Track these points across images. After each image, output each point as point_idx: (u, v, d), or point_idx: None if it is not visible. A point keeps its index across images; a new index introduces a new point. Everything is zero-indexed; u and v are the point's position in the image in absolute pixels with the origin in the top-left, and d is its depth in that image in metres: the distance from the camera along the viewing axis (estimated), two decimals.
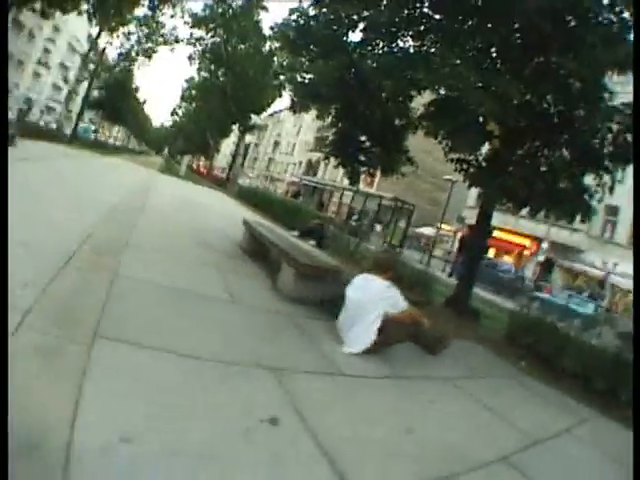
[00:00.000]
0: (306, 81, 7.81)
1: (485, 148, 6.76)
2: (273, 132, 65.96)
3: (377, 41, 6.98)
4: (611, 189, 5.97)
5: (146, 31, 24.31)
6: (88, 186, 9.28)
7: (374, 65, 6.54)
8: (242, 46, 25.27)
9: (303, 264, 4.43)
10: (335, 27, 7.08)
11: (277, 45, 21.09)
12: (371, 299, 3.51)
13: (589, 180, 6.11)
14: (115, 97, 31.79)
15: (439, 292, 8.26)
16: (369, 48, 7.12)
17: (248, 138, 63.99)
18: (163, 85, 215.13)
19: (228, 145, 58.00)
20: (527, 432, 2.99)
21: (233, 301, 3.96)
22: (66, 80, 31.96)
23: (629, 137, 5.49)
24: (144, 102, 58.30)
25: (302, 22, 7.38)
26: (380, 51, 7.02)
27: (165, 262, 4.59)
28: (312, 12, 7.35)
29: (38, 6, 14.16)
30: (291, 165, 56.64)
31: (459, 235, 28.49)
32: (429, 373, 3.68)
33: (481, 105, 5.10)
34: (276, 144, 64.73)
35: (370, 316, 3.47)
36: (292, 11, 7.61)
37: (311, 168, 49.52)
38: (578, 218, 6.07)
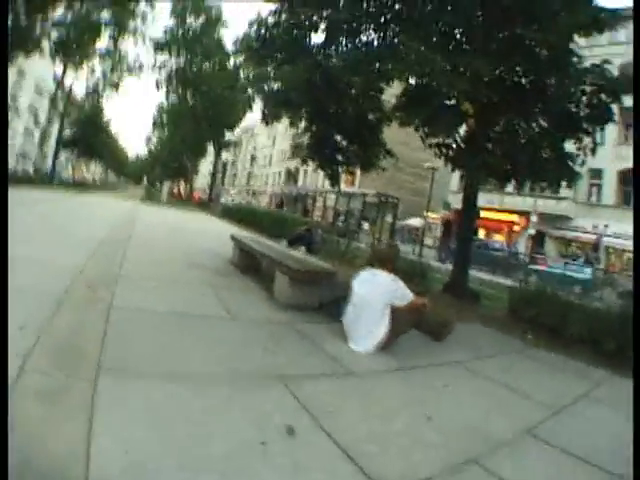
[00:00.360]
0: (275, 89, 7.81)
1: (463, 129, 6.77)
2: (248, 147, 66.09)
3: (340, 39, 6.99)
4: (593, 150, 5.98)
5: (110, 63, 24.24)
6: (72, 224, 9.18)
7: (340, 63, 6.55)
8: (207, 64, 25.24)
9: (296, 270, 4.39)
10: (296, 31, 7.08)
11: (242, 59, 21.16)
12: (379, 292, 3.50)
13: (570, 146, 6.15)
14: (87, 133, 31.44)
15: (436, 279, 8.26)
16: (333, 47, 7.13)
17: (225, 156, 63.94)
18: (135, 115, 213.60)
19: (206, 166, 57.89)
20: (546, 402, 2.97)
21: (231, 317, 3.89)
22: (37, 122, 31.56)
23: (604, 97, 5.51)
24: (116, 135, 58.02)
25: (263, 31, 7.38)
26: (344, 48, 7.03)
27: (159, 288, 4.52)
28: (271, 20, 7.35)
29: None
30: (271, 176, 56.70)
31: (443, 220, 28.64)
32: (438, 360, 3.65)
33: (452, 87, 5.11)
34: (253, 158, 64.82)
35: (379, 310, 3.46)
36: (252, 23, 7.60)
37: (291, 176, 49.55)
38: (564, 184, 6.10)
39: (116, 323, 3.05)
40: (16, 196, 14.51)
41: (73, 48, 17.40)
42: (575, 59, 5.55)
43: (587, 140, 5.93)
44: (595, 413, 2.98)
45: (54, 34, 13.85)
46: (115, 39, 22.07)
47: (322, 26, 6.86)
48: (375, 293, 3.51)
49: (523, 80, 5.82)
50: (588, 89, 5.57)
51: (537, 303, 5.41)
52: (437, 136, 6.63)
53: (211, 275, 5.74)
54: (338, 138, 8.54)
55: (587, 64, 5.58)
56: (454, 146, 6.64)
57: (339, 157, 8.91)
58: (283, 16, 7.19)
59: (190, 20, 24.63)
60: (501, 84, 5.52)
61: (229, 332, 3.47)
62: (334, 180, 9.48)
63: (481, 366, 3.66)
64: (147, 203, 25.75)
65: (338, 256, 10.03)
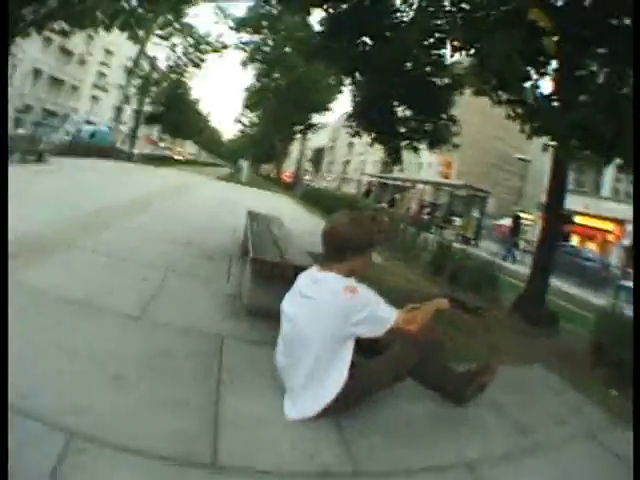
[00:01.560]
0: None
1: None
2: (347, 133, 64.81)
3: None
4: None
5: (191, 41, 24.28)
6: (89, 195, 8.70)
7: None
8: (289, 43, 24.13)
9: (260, 261, 3.03)
10: None
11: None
12: (323, 315, 1.94)
13: None
14: (171, 109, 31.94)
15: (509, 287, 6.41)
16: None
17: (323, 141, 63.44)
18: (227, 96, 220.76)
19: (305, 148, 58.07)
20: None
21: (139, 318, 2.69)
22: (127, 100, 32.93)
23: None
24: (207, 115, 59.37)
25: None
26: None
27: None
28: None
29: (57, 27, 14.35)
30: (370, 164, 55.01)
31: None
32: (441, 456, 1.95)
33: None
34: (350, 145, 63.41)
35: (326, 347, 1.95)
36: None
37: (387, 165, 47.56)
38: None
39: None
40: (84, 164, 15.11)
41: (147, 20, 16.98)
42: None
43: None
44: None
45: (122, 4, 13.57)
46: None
47: None
48: (315, 316, 1.97)
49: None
50: None
51: (628, 337, 3.38)
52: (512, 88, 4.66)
53: (195, 258, 4.62)
54: (395, 103, 6.90)
55: None
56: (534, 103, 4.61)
57: (400, 129, 7.32)
58: None
59: None
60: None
61: (106, 339, 2.29)
62: (395, 157, 7.94)
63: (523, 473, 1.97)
64: (225, 181, 25.44)
65: (404, 250, 8.46)
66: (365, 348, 2.12)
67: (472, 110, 34.89)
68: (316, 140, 64.95)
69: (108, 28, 13.99)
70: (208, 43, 24.84)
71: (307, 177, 57.56)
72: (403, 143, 7.51)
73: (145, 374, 2.05)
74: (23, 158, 11.94)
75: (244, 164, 36.32)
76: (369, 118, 6.97)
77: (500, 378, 2.49)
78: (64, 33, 14.75)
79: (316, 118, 34.76)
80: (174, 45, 25.50)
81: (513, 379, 2.92)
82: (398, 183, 38.32)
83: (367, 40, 5.86)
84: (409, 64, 6.08)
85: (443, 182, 27.33)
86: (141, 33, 20.40)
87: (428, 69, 6.15)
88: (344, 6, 5.41)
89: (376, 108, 6.69)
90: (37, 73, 35.41)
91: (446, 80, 6.53)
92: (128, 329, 2.53)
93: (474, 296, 5.44)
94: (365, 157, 56.65)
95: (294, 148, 46.27)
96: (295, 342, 2.03)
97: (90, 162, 17.03)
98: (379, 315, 1.98)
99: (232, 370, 2.28)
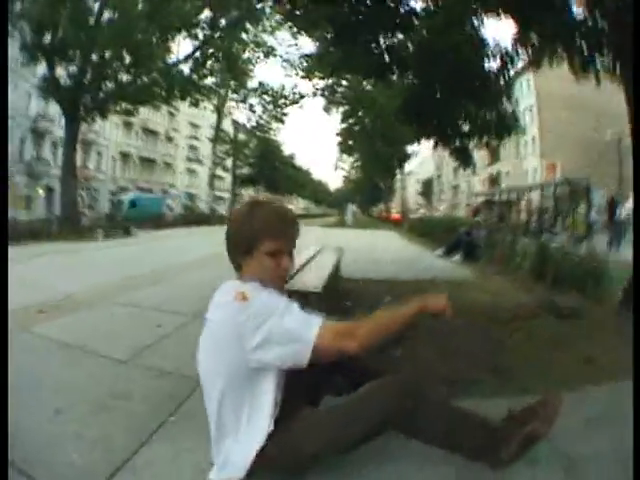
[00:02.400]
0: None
1: None
2: (449, 159, 62.77)
3: None
4: None
5: (268, 98, 25.26)
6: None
7: None
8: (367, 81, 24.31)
9: None
10: None
11: None
12: (217, 357, 1.37)
13: None
14: (265, 168, 33.14)
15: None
16: None
17: (429, 172, 61.90)
18: (321, 144, 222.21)
19: (412, 184, 57.14)
20: None
21: (127, 362, 2.55)
22: (225, 168, 35.16)
23: None
24: (307, 168, 60.55)
25: None
26: None
27: None
28: None
29: (119, 108, 15.75)
30: (478, 184, 52.31)
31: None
32: None
33: None
34: (456, 170, 61.14)
35: (226, 404, 1.37)
36: None
37: (493, 182, 44.97)
38: None
39: None
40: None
41: (208, 88, 17.69)
42: None
43: None
44: None
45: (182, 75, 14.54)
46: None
47: None
48: (210, 344, 1.39)
49: None
50: None
51: None
52: None
53: None
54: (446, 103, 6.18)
55: None
56: None
57: (463, 126, 6.55)
58: None
59: None
60: None
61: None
62: (464, 159, 7.13)
63: None
64: (330, 227, 25.14)
65: (503, 261, 7.49)
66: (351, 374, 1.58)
67: (558, 105, 31.67)
68: (423, 172, 63.74)
69: (167, 101, 15.25)
70: (284, 97, 25.54)
71: (421, 210, 56.34)
72: (471, 142, 6.70)
73: (89, 410, 1.95)
74: (107, 234, 13.17)
75: (350, 208, 36.71)
76: (422, 120, 6.33)
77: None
78: (129, 112, 16.24)
79: (411, 148, 34.16)
80: (252, 106, 26.66)
81: (607, 406, 1.98)
82: (501, 196, 35.51)
83: (394, 38, 5.40)
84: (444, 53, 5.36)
85: (542, 183, 24.76)
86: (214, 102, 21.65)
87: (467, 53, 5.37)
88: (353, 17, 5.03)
89: (425, 108, 6.06)
90: (125, 156, 37.77)
91: (494, 63, 5.67)
92: (106, 370, 2.40)
93: (575, 298, 4.45)
94: (471, 178, 53.80)
95: (400, 185, 45.68)
96: (203, 384, 1.45)
97: (179, 231, 18.25)
98: (289, 331, 1.28)
99: (187, 415, 1.94)
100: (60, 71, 14.36)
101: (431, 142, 6.88)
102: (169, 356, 2.67)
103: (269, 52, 19.57)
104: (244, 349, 1.28)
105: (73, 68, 14.14)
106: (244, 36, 16.79)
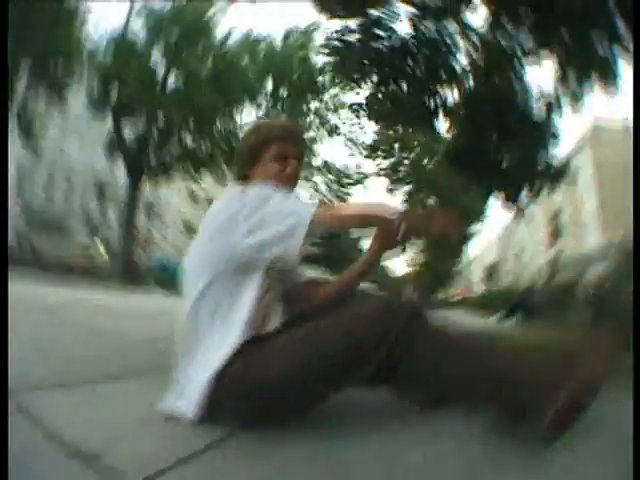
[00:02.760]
0: None
1: None
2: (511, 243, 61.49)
3: None
4: None
5: (332, 177, 26.12)
6: None
7: None
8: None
9: None
10: None
11: None
12: (200, 252, 1.30)
13: None
14: (330, 249, 33.34)
15: None
16: None
17: (493, 255, 60.34)
18: None
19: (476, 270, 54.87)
20: None
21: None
22: None
23: None
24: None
25: None
26: None
27: None
28: None
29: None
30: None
31: None
32: None
33: None
34: (519, 254, 59.15)
35: (201, 304, 1.25)
36: None
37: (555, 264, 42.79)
38: None
39: None
40: None
41: None
42: None
43: None
44: None
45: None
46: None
47: None
48: (197, 245, 1.31)
49: None
50: None
51: None
52: None
53: None
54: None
55: None
56: None
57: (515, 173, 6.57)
58: None
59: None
60: None
61: None
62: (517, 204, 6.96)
63: None
64: None
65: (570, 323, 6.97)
66: None
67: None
68: (487, 255, 61.94)
69: (228, 164, 15.38)
70: (348, 176, 26.33)
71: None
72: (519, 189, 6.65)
73: None
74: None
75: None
76: (473, 166, 6.40)
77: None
78: (193, 177, 16.72)
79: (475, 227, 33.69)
80: (316, 184, 27.58)
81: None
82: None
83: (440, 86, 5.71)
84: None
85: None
86: None
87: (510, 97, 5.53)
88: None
89: (475, 153, 6.16)
90: (189, 227, 36.07)
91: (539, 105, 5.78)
92: None
93: None
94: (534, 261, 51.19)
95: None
96: (184, 294, 1.31)
97: None
98: (286, 210, 1.22)
99: None
100: (126, 131, 15.28)
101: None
102: None
103: (332, 130, 20.65)
104: (236, 236, 1.22)
105: (139, 127, 14.99)
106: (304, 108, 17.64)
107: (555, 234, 38.15)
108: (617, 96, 5.01)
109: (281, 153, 1.43)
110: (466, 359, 1.13)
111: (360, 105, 6.46)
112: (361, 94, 6.55)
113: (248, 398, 1.16)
